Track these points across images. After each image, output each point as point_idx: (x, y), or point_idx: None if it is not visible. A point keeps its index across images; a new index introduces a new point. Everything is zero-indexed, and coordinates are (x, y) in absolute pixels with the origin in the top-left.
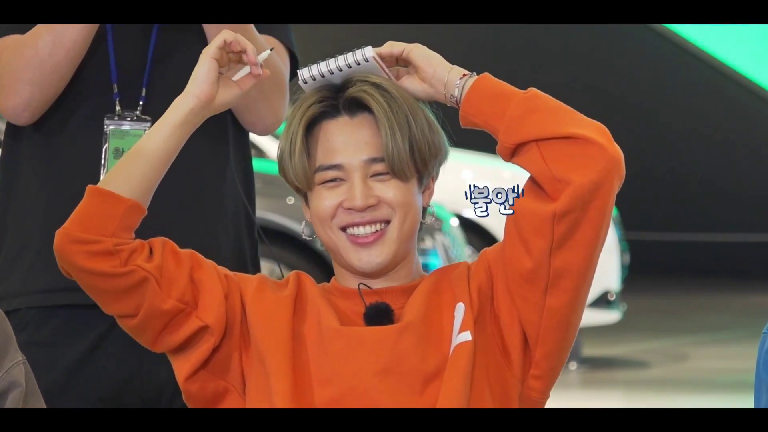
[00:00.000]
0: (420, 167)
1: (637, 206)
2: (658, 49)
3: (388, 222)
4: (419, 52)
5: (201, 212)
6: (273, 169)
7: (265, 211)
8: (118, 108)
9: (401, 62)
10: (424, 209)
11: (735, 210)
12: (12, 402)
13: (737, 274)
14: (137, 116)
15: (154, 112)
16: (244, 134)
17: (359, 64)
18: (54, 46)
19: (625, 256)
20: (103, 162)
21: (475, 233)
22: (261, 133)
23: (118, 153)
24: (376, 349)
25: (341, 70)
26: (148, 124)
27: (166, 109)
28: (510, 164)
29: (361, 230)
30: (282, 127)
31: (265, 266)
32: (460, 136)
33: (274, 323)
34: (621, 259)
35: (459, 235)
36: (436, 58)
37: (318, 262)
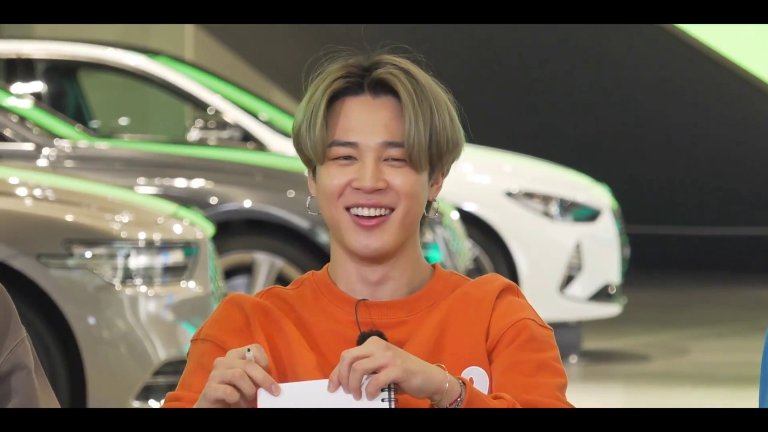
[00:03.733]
0: (435, 160)
1: (637, 200)
2: (658, 44)
3: (392, 209)
4: (412, 385)
5: None
6: (274, 162)
7: (265, 204)
8: None
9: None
10: (430, 203)
11: (735, 204)
12: (18, 382)
13: (738, 267)
14: None
15: None
16: None
17: None
18: None
19: (625, 249)
20: None
21: (476, 226)
22: None
23: None
24: None
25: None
26: None
27: None
28: (510, 157)
29: (365, 211)
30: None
31: (266, 259)
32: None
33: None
34: (621, 252)
35: (459, 228)
36: (429, 384)
37: (319, 255)
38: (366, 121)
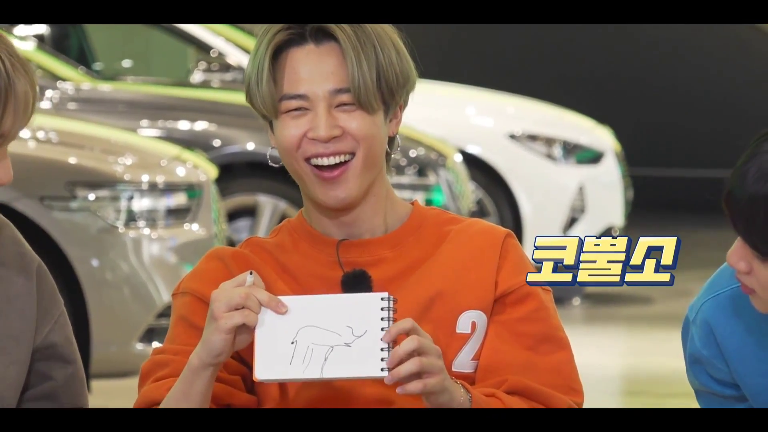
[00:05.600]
0: (387, 98)
1: (640, 142)
2: None
3: (352, 154)
4: (437, 400)
5: None
6: None
7: (268, 147)
8: None
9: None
10: (392, 139)
11: (740, 146)
12: (67, 351)
13: None
14: None
15: None
16: None
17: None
18: None
19: (628, 191)
20: None
21: (479, 169)
22: None
23: None
24: None
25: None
26: None
27: None
28: (513, 99)
29: (325, 161)
30: None
31: (269, 201)
32: (463, 71)
33: None
34: (624, 194)
35: (462, 170)
36: (450, 404)
37: None
38: (312, 70)
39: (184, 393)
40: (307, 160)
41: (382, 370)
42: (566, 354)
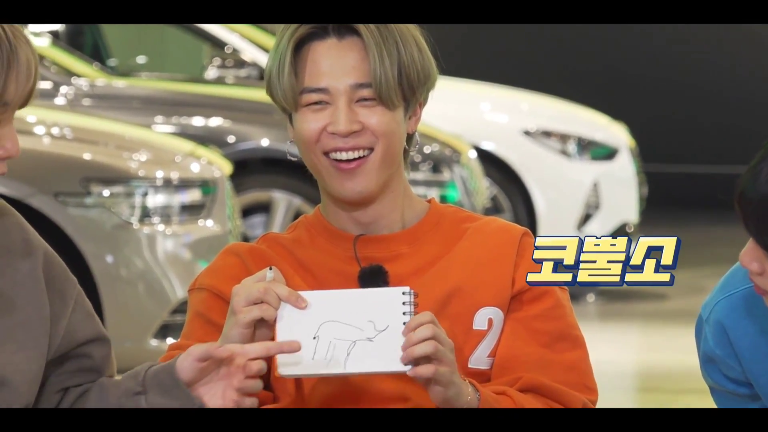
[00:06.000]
0: (407, 94)
1: (655, 138)
2: None
3: (371, 149)
4: (446, 394)
5: None
6: None
7: (283, 143)
8: None
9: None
10: (411, 136)
11: (755, 142)
12: (95, 328)
13: None
14: None
15: None
16: None
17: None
18: None
19: (643, 188)
20: None
21: (493, 165)
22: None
23: None
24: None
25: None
26: None
27: None
28: (528, 96)
29: (343, 155)
30: None
31: (283, 197)
32: (477, 67)
33: None
34: (639, 191)
35: (476, 167)
36: (456, 400)
37: None
38: (334, 64)
39: None
40: (326, 154)
41: (405, 364)
42: (581, 352)
